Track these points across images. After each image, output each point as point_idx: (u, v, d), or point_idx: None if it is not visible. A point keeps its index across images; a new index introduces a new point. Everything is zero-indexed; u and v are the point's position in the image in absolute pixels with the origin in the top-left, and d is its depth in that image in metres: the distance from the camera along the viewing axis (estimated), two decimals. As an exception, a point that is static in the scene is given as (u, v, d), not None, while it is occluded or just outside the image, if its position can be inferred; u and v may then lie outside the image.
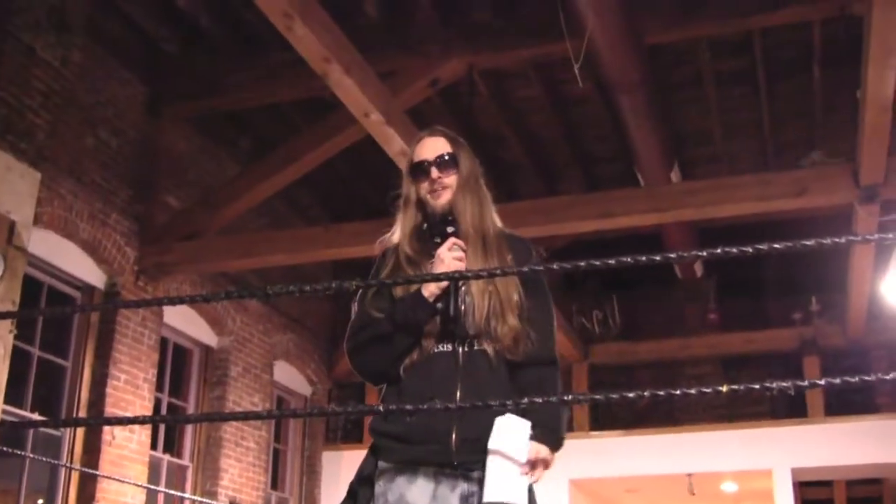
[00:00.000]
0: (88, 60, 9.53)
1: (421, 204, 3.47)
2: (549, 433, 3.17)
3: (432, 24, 9.80)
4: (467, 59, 9.63)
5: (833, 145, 11.50)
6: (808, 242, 2.44)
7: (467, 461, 3.13)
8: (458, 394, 3.17)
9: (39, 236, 8.83)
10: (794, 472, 12.51)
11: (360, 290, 3.37)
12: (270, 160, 10.39)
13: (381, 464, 3.22)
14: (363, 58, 7.93)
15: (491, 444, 3.08)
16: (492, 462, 3.07)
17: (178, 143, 10.92)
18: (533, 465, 3.13)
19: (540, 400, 3.02)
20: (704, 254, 2.59)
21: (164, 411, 10.82)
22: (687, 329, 14.88)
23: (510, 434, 3.09)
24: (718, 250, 2.52)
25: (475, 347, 3.24)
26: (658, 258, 2.58)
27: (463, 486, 3.13)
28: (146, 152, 10.35)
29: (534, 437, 3.13)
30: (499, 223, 3.51)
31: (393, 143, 8.62)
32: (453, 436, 3.12)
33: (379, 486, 3.18)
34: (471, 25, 9.67)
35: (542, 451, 3.15)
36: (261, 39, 10.10)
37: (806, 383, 2.37)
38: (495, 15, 9.63)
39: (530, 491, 3.14)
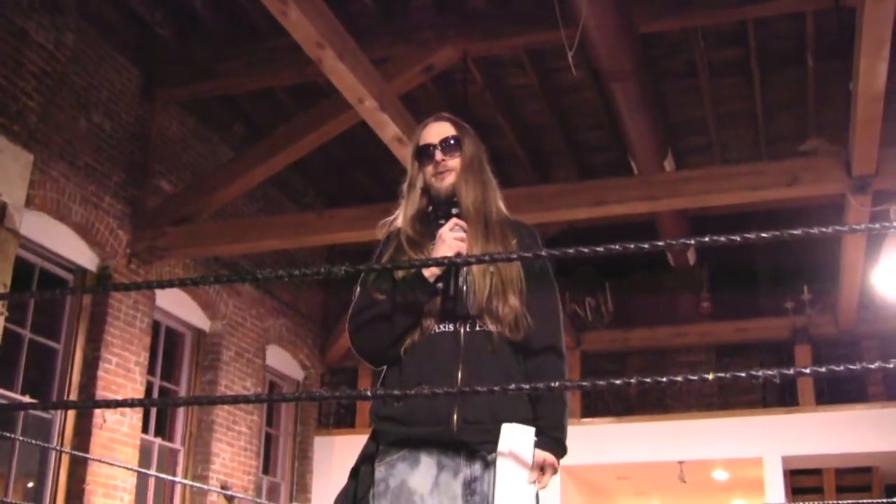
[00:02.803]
0: (82, 43, 9.51)
1: (426, 189, 3.49)
2: (554, 442, 3.19)
3: (427, 10, 9.80)
4: (462, 46, 9.63)
5: (825, 136, 11.53)
6: (795, 232, 2.45)
7: (470, 441, 3.11)
8: (460, 374, 3.16)
9: (32, 218, 8.83)
10: (785, 460, 12.55)
11: (362, 274, 3.38)
12: (264, 145, 10.38)
13: (383, 447, 3.20)
14: (357, 44, 7.93)
15: (499, 455, 3.08)
16: (500, 474, 3.06)
17: (172, 128, 10.91)
18: (541, 471, 3.14)
19: (527, 386, 3.02)
20: (693, 242, 2.60)
21: (155, 395, 10.83)
22: (679, 317, 14.94)
23: (516, 443, 3.08)
24: (706, 238, 2.53)
25: (477, 328, 3.24)
26: (646, 246, 2.59)
27: (465, 472, 3.11)
28: (140, 136, 10.35)
29: (538, 445, 3.13)
30: (504, 209, 3.53)
31: (387, 130, 8.62)
32: (455, 416, 3.11)
33: (380, 472, 3.17)
34: (465, 13, 9.67)
35: (549, 459, 3.16)
36: (255, 24, 10.09)
37: (791, 372, 2.37)
38: (490, 2, 9.63)
39: (536, 497, 3.14)
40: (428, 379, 3.12)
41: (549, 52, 10.06)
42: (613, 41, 8.79)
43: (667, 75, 10.98)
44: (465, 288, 3.29)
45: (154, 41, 10.38)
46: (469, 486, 3.11)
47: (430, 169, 3.47)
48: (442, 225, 3.33)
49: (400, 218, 3.50)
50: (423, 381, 3.12)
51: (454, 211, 3.37)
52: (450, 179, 3.43)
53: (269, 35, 9.87)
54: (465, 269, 3.29)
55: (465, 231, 3.31)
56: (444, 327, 3.26)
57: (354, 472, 3.29)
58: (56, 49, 9.10)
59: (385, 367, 3.34)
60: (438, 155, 3.45)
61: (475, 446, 3.13)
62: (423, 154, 3.49)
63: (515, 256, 3.03)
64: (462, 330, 3.24)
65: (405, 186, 3.55)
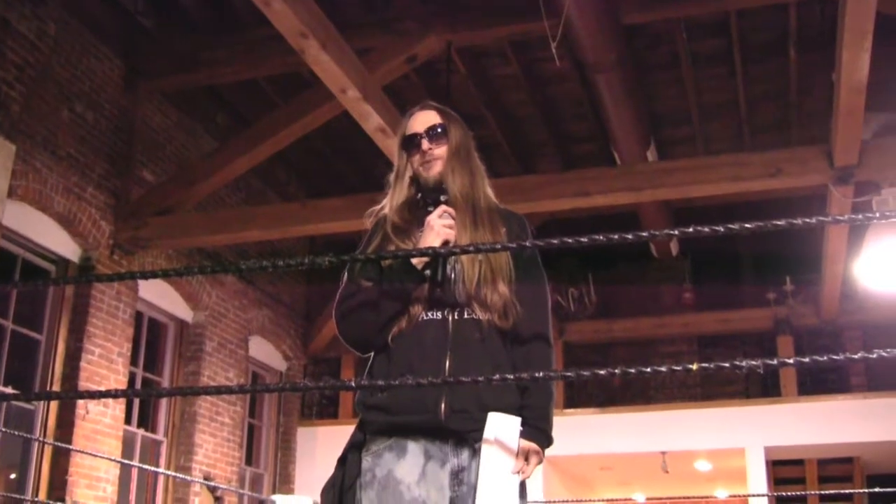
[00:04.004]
0: (64, 34, 9.47)
1: (414, 177, 3.47)
2: (539, 432, 3.17)
3: (410, 0, 9.78)
4: (445, 36, 9.62)
5: (808, 127, 11.58)
6: (778, 223, 2.45)
7: (458, 429, 3.10)
8: (447, 363, 3.14)
9: (14, 209, 8.80)
10: (767, 450, 12.61)
11: (349, 262, 3.36)
12: (247, 136, 10.36)
13: (370, 436, 3.19)
14: (340, 34, 7.92)
15: (483, 443, 3.07)
16: (484, 463, 3.06)
17: (155, 118, 10.88)
18: (525, 461, 3.12)
19: (512, 376, 3.02)
20: (676, 233, 2.60)
21: (138, 386, 10.81)
22: (662, 308, 14.97)
23: (501, 432, 3.07)
24: (690, 229, 2.53)
25: (465, 315, 3.22)
26: (630, 237, 2.59)
27: (453, 462, 3.10)
28: (122, 127, 10.31)
29: (524, 435, 3.12)
30: (493, 196, 3.51)
31: (370, 120, 8.61)
32: (442, 405, 3.09)
33: (367, 462, 3.15)
34: (449, 3, 9.65)
35: (533, 448, 3.14)
36: (238, 15, 10.06)
37: (775, 362, 2.38)
38: (474, -8, 9.64)
39: (522, 486, 3.14)
40: (416, 367, 3.12)
41: (533, 42, 10.05)
42: (597, 32, 8.80)
43: (650, 66, 10.99)
44: (453, 275, 3.27)
45: (137, 31, 10.34)
46: (456, 476, 3.10)
47: (417, 158, 3.45)
48: (430, 212, 3.31)
49: (387, 207, 3.48)
50: (410, 369, 3.11)
51: (442, 198, 3.34)
52: (437, 168, 3.42)
53: (252, 25, 9.83)
54: (453, 256, 3.28)
55: (453, 218, 3.30)
56: (433, 315, 3.23)
57: (342, 461, 3.28)
58: (38, 39, 9.06)
59: (372, 354, 3.32)
60: (425, 144, 3.44)
61: (463, 434, 3.12)
62: (410, 143, 3.48)
63: (500, 246, 3.02)
64: (450, 317, 3.22)
65: (392, 177, 3.53)
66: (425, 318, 3.23)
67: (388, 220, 3.41)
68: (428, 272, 3.24)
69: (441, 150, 3.43)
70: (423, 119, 3.51)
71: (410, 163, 3.48)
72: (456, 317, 3.23)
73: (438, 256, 3.21)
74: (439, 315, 3.23)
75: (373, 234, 3.46)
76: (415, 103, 3.65)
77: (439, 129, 3.46)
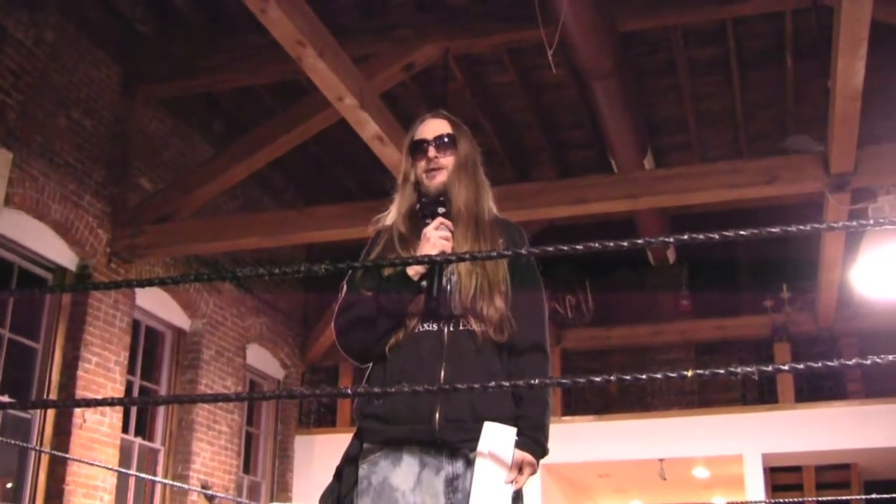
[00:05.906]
0: (61, 40, 9.46)
1: (418, 184, 3.48)
2: (533, 443, 3.18)
3: (407, 8, 9.81)
4: (442, 43, 9.63)
5: (804, 134, 11.58)
6: (774, 230, 2.46)
7: (452, 440, 3.12)
8: (443, 374, 3.16)
9: (10, 217, 8.79)
10: (765, 457, 12.60)
11: (349, 271, 3.36)
12: (244, 143, 10.35)
13: (366, 445, 3.21)
14: (337, 41, 7.92)
15: (478, 454, 3.08)
16: (478, 472, 3.07)
17: (152, 125, 10.87)
18: (519, 471, 3.13)
19: (507, 384, 3.02)
20: (672, 240, 2.61)
21: (135, 394, 10.78)
22: (659, 315, 14.97)
23: (496, 443, 3.09)
24: (686, 236, 2.54)
25: (461, 327, 3.23)
26: (626, 244, 2.60)
27: (447, 469, 3.12)
28: (120, 134, 10.30)
29: (518, 445, 3.12)
30: (495, 210, 3.52)
31: (367, 128, 8.61)
32: (437, 415, 3.11)
33: (363, 469, 3.18)
34: (446, 10, 9.67)
35: (527, 459, 3.15)
36: (236, 22, 10.07)
37: (770, 368, 2.39)
38: (470, 0, 9.64)
39: (518, 494, 3.15)
40: (411, 378, 3.13)
41: (530, 50, 10.06)
42: (594, 39, 8.81)
43: (647, 74, 11.01)
44: (449, 287, 3.28)
45: (134, 37, 10.34)
46: (451, 484, 3.12)
47: (422, 164, 3.46)
48: (428, 224, 3.32)
49: (393, 213, 3.50)
50: (406, 379, 3.13)
51: (440, 210, 3.35)
52: (440, 178, 3.42)
53: (249, 32, 9.84)
54: (450, 268, 3.28)
55: (450, 231, 3.31)
56: (428, 326, 3.25)
57: (339, 473, 3.30)
58: (35, 46, 9.06)
59: (370, 364, 3.33)
60: (431, 151, 3.44)
61: (457, 444, 3.13)
62: (417, 149, 3.48)
63: (496, 254, 3.02)
64: (446, 329, 3.24)
65: (399, 181, 3.54)
66: (421, 329, 3.25)
67: (395, 229, 3.43)
68: (424, 283, 3.25)
69: (447, 160, 3.44)
70: (434, 127, 3.52)
71: (415, 168, 3.49)
72: (451, 328, 3.25)
73: (433, 264, 3.21)
74: (435, 327, 3.25)
75: (373, 242, 3.48)
76: (412, 111, 3.67)
77: (447, 139, 3.47)
